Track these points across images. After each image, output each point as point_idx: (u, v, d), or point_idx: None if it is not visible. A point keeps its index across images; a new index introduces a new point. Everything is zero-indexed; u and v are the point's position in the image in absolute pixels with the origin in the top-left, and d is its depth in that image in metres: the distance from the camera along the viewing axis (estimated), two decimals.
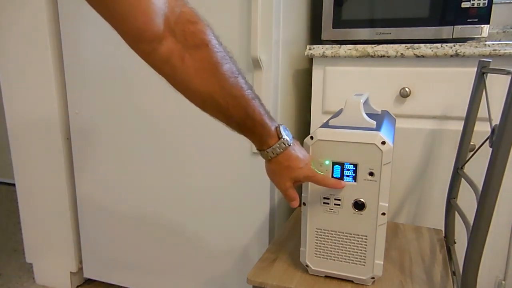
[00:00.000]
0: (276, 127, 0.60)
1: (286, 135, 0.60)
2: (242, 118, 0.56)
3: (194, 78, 0.50)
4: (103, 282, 1.36)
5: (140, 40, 0.47)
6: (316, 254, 0.67)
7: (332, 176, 0.63)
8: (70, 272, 1.35)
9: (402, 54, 0.94)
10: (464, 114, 0.81)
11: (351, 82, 1.01)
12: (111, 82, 1.14)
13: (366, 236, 0.63)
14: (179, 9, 0.48)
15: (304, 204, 0.66)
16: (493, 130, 0.56)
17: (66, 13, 1.14)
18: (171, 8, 0.47)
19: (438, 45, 0.92)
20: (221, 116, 0.55)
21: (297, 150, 0.62)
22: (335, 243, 0.66)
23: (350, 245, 0.65)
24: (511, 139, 0.51)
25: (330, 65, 1.03)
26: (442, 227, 0.89)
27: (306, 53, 1.02)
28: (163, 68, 0.50)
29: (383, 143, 0.59)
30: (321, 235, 0.66)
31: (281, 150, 0.60)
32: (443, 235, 0.88)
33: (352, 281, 0.67)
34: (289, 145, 0.60)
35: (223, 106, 0.53)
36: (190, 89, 0.52)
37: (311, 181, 0.63)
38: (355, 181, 0.62)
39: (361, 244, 0.64)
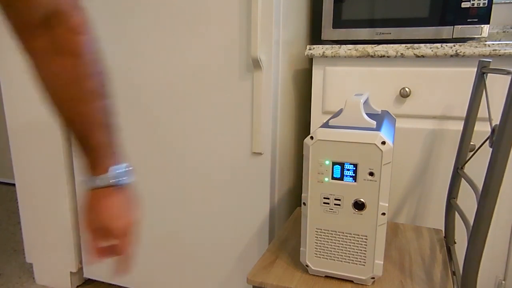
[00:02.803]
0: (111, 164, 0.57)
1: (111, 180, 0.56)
2: (79, 135, 0.56)
3: (49, 80, 0.52)
4: (103, 282, 1.36)
5: (17, 28, 0.49)
6: (316, 254, 0.67)
7: (332, 176, 0.63)
8: (70, 272, 1.35)
9: (402, 54, 0.94)
10: (464, 114, 0.81)
11: (351, 82, 1.01)
12: (111, 82, 1.14)
13: (366, 236, 0.63)
14: (70, 14, 0.48)
15: (304, 204, 0.66)
16: (493, 130, 0.56)
17: None
18: (60, 11, 0.48)
19: (438, 45, 0.92)
20: (64, 123, 0.56)
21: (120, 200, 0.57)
22: (335, 243, 0.66)
23: (350, 245, 0.65)
24: (511, 139, 0.51)
25: (330, 65, 1.03)
26: (442, 227, 0.89)
27: (306, 53, 1.02)
28: (29, 59, 0.52)
29: (383, 143, 0.59)
30: (321, 235, 0.66)
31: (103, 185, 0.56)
32: (443, 235, 0.88)
33: (352, 281, 0.67)
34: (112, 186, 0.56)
35: (67, 116, 0.54)
36: (43, 86, 0.54)
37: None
38: (355, 181, 0.62)
39: (361, 244, 0.64)
